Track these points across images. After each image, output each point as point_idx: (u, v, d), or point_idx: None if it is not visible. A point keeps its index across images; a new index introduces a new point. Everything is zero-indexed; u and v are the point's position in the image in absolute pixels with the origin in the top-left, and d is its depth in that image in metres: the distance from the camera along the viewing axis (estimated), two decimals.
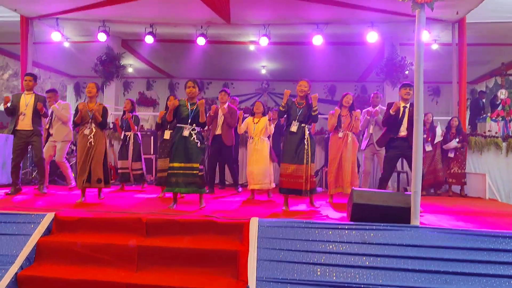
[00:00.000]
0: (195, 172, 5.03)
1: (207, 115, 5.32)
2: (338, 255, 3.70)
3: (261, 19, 9.22)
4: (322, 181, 8.24)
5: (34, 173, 8.33)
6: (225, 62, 12.66)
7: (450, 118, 8.22)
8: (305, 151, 5.18)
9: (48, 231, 4.17)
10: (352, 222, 4.11)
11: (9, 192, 6.29)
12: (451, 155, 7.78)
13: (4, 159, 7.50)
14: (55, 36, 9.57)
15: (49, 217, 4.24)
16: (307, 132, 5.27)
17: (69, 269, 3.80)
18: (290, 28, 9.61)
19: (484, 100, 12.46)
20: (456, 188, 8.03)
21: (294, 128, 5.25)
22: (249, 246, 3.78)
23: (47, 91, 7.22)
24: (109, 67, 10.22)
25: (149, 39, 9.74)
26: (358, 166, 7.35)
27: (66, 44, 10.81)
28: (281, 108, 5.38)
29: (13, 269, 3.74)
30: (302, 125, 5.26)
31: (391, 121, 5.58)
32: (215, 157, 7.16)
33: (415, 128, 4.19)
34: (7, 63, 18.63)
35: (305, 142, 5.21)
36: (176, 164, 5.04)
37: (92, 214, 4.41)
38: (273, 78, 14.33)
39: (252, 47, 10.97)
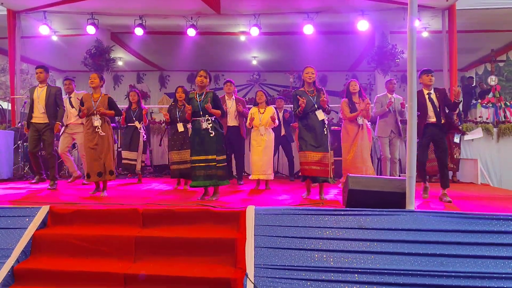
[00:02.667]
0: (213, 164, 4.99)
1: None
2: (335, 240, 3.72)
3: (251, 9, 9.19)
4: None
5: (26, 168, 8.28)
6: (215, 54, 12.59)
7: None
8: (328, 139, 5.23)
9: (44, 224, 4.14)
10: (348, 208, 4.13)
11: (34, 181, 6.68)
12: (457, 140, 7.80)
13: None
14: (43, 30, 9.46)
15: (44, 210, 4.20)
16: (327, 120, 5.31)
17: (66, 262, 3.78)
18: (281, 18, 9.58)
19: (473, 85, 12.58)
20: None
21: (321, 115, 5.22)
22: (246, 234, 3.78)
23: (65, 79, 7.37)
24: (98, 60, 10.09)
25: (138, 31, 9.67)
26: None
27: (55, 38, 10.71)
28: (297, 113, 5.25)
29: (10, 262, 3.70)
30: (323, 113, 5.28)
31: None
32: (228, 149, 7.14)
33: (409, 114, 4.21)
34: None
35: (326, 129, 5.23)
36: (196, 157, 5.03)
37: (87, 206, 4.38)
38: (264, 69, 14.30)
39: (242, 38, 10.93)
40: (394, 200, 4.12)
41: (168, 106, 7.15)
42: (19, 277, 3.67)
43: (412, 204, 4.06)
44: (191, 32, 9.61)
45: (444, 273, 3.40)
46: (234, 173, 7.63)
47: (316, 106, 5.23)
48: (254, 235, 3.76)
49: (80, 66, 10.42)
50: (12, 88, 9.36)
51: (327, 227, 3.83)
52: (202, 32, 10.02)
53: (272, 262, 3.55)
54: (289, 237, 3.76)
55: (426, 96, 5.36)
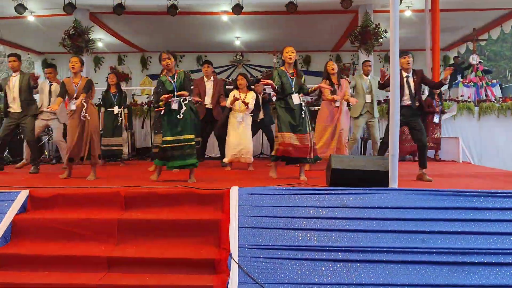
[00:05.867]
0: (189, 143, 4.96)
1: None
2: (319, 219, 3.73)
3: None
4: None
5: (5, 153, 8.11)
6: (197, 34, 12.39)
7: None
8: (307, 120, 5.13)
9: (24, 208, 4.05)
10: (331, 187, 4.14)
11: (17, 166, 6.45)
12: (436, 120, 7.88)
13: None
14: (19, 10, 9.17)
15: (23, 194, 4.12)
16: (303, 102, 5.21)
17: (48, 246, 3.71)
18: None
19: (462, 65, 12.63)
20: (430, 153, 8.20)
21: (296, 100, 5.14)
22: (230, 214, 3.77)
23: (47, 67, 7.18)
24: (77, 41, 9.84)
25: (118, 12, 9.45)
26: None
27: (31, 19, 10.38)
28: (276, 90, 5.21)
29: None
30: (299, 95, 5.19)
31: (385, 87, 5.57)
32: (203, 131, 7.09)
33: (391, 92, 4.22)
34: None
35: (304, 111, 5.16)
36: (169, 138, 4.96)
37: (68, 190, 4.32)
38: (247, 49, 14.12)
39: (225, 18, 10.74)
40: (377, 178, 4.15)
41: (152, 88, 7.12)
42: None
43: (394, 182, 4.10)
44: (172, 12, 9.44)
45: (426, 250, 3.45)
46: (217, 155, 7.59)
47: (293, 89, 5.16)
48: (238, 216, 3.75)
49: (59, 48, 10.16)
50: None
51: (311, 207, 3.83)
52: (183, 12, 9.81)
53: (256, 242, 3.55)
54: (273, 217, 3.76)
55: (404, 79, 5.35)
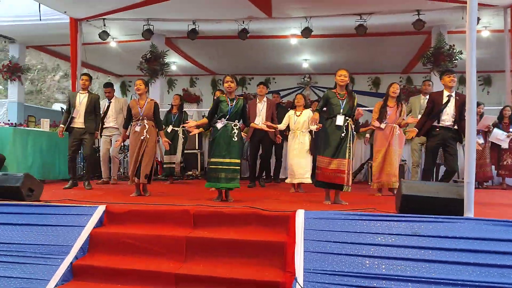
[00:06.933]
0: (236, 167, 5.11)
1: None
2: (387, 247, 3.60)
3: (303, 12, 9.14)
4: (368, 175, 8.11)
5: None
6: (266, 57, 12.65)
7: (501, 108, 7.88)
8: (348, 146, 4.96)
9: (100, 222, 4.30)
10: (401, 214, 4.00)
11: (66, 186, 6.53)
12: (505, 146, 7.41)
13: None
14: (102, 37, 9.91)
15: (100, 209, 4.37)
16: (351, 126, 5.04)
17: (120, 259, 3.90)
18: (332, 20, 9.50)
19: None
20: (510, 181, 7.68)
21: (340, 121, 4.99)
22: (295, 237, 3.75)
23: (105, 85, 7.65)
24: (153, 65, 10.41)
25: (192, 36, 9.90)
26: None
27: (113, 44, 11.16)
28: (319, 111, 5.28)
29: (69, 258, 3.87)
30: (347, 118, 5.02)
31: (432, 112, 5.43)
32: (256, 150, 7.19)
33: (467, 118, 4.02)
34: (58, 64, 19.49)
35: (349, 136, 4.98)
36: (218, 160, 5.09)
37: (141, 207, 4.52)
38: (315, 71, 14.18)
39: (293, 41, 10.91)
40: (451, 206, 3.94)
41: None
42: (77, 273, 3.82)
43: (470, 211, 3.87)
44: (243, 36, 9.72)
45: (505, 285, 3.21)
46: (283, 176, 7.63)
47: (342, 110, 5.01)
48: (304, 239, 3.71)
49: (136, 71, 10.81)
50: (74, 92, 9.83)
51: (379, 233, 3.72)
52: (254, 36, 10.09)
53: (321, 267, 3.49)
54: (339, 242, 3.69)
55: (445, 98, 5.15)
